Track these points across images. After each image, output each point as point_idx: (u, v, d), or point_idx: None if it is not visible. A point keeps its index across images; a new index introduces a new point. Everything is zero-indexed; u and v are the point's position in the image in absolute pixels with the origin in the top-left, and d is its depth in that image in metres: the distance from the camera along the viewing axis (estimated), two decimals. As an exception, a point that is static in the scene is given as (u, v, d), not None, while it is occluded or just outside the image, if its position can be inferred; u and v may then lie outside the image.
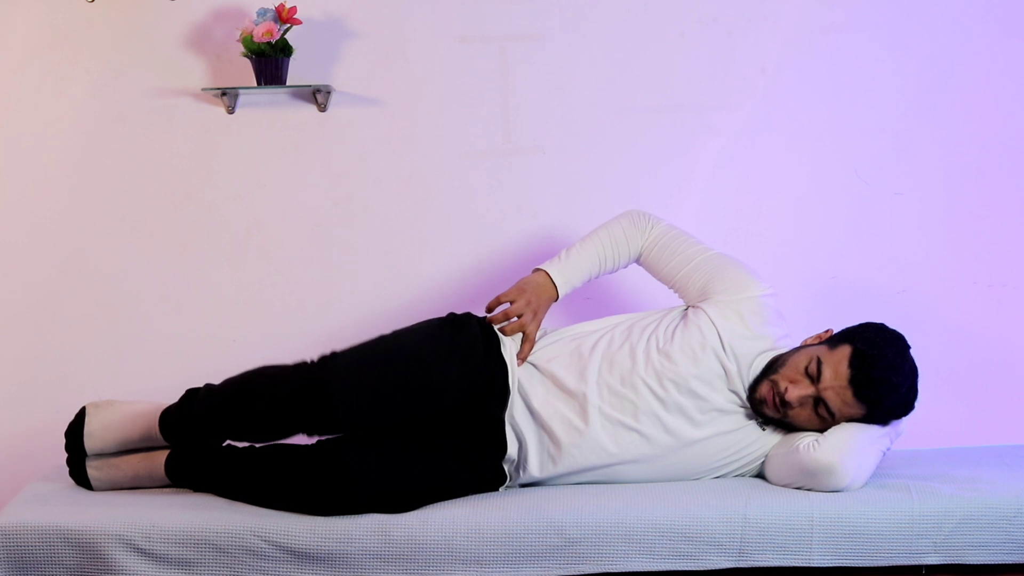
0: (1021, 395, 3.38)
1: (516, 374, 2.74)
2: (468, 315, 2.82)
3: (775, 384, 2.66)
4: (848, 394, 2.61)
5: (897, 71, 3.35)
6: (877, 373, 2.59)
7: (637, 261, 2.95)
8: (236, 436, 2.68)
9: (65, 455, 2.76)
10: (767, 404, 2.67)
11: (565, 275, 2.87)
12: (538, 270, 2.88)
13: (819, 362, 2.64)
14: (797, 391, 2.64)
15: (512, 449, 2.71)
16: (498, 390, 2.71)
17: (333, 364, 2.64)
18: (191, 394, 2.71)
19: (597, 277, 2.93)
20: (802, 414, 2.66)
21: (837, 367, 2.62)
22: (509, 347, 2.78)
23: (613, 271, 2.95)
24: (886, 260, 3.37)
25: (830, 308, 3.21)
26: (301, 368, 2.64)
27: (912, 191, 3.37)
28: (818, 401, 2.64)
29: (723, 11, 3.34)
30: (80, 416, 2.74)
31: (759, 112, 3.35)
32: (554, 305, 2.90)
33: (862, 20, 3.34)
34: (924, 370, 2.71)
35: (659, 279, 2.94)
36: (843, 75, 3.35)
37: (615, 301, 3.35)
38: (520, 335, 2.80)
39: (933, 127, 3.35)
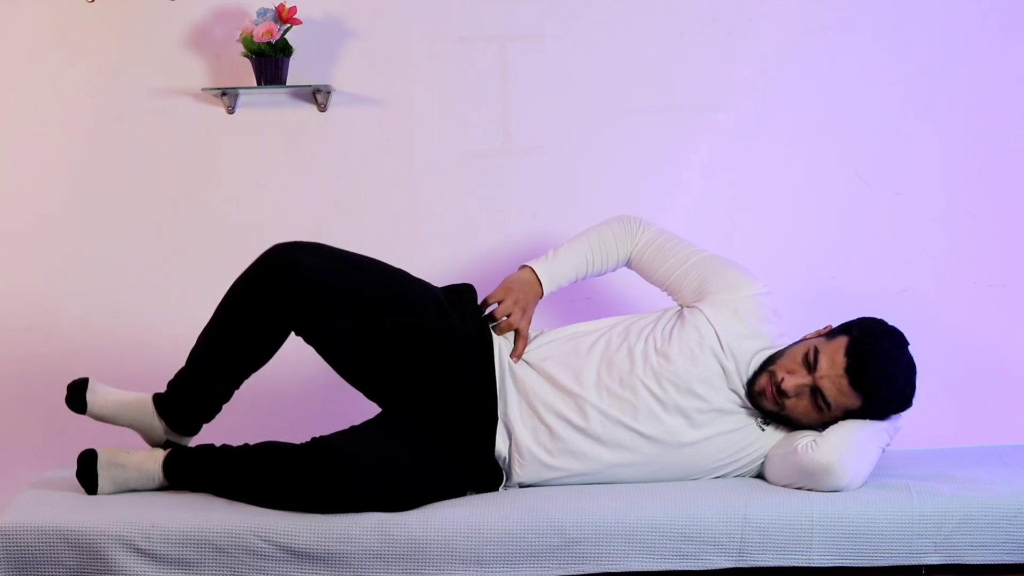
0: (1021, 395, 3.38)
1: (504, 363, 2.75)
2: (469, 292, 2.85)
3: (773, 375, 2.67)
4: (844, 383, 2.61)
5: (896, 71, 3.35)
6: (873, 361, 2.60)
7: (627, 266, 2.95)
8: (225, 345, 2.68)
9: (68, 458, 2.75)
10: (765, 396, 2.68)
11: (551, 273, 2.86)
12: (525, 267, 2.88)
13: (816, 351, 2.64)
14: (794, 380, 2.64)
15: (501, 445, 2.71)
16: (481, 367, 2.72)
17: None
18: (180, 375, 2.73)
19: (584, 279, 2.93)
20: (799, 405, 2.66)
21: (834, 356, 2.63)
22: (501, 345, 2.78)
23: (600, 274, 2.95)
24: (886, 260, 3.38)
25: (830, 308, 3.20)
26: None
27: (911, 191, 3.37)
28: (815, 391, 2.64)
29: (723, 11, 3.34)
30: (83, 380, 2.73)
31: (759, 112, 3.36)
32: (552, 305, 2.90)
33: (861, 20, 3.34)
34: (924, 370, 2.71)
35: (652, 282, 2.93)
36: (842, 75, 3.35)
37: (614, 301, 3.35)
38: (512, 334, 2.81)
39: (932, 127, 3.36)
